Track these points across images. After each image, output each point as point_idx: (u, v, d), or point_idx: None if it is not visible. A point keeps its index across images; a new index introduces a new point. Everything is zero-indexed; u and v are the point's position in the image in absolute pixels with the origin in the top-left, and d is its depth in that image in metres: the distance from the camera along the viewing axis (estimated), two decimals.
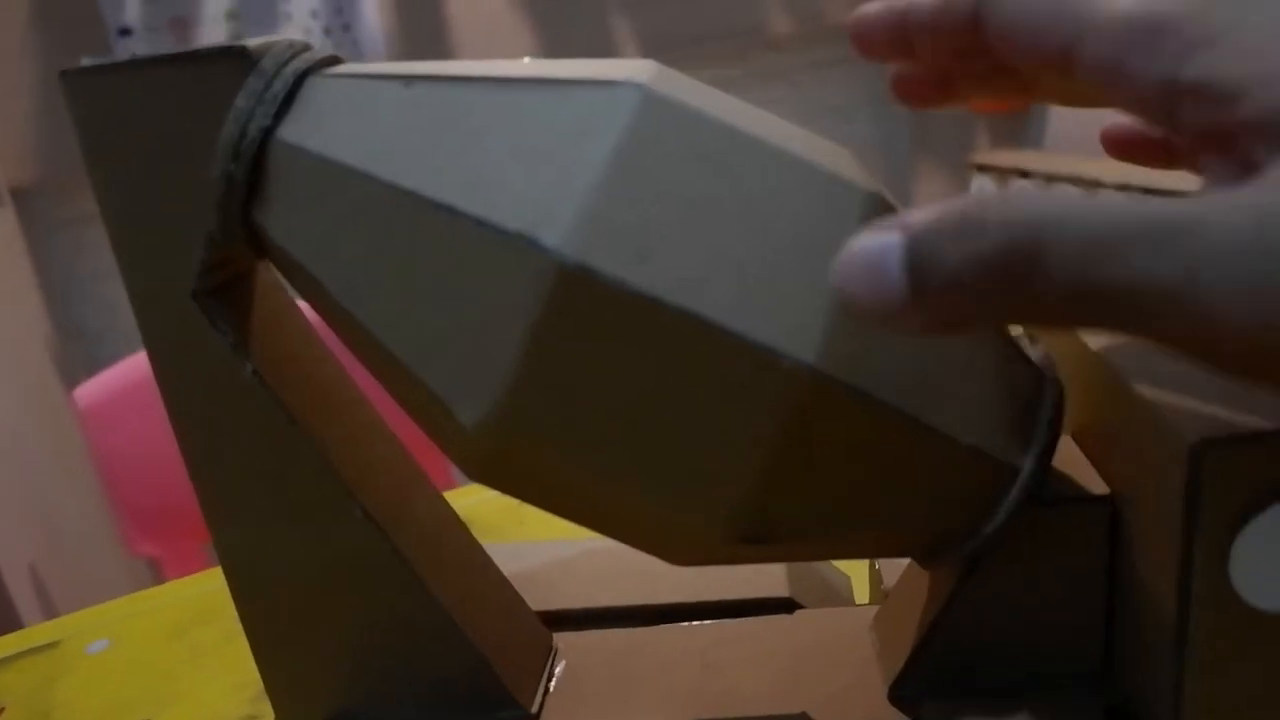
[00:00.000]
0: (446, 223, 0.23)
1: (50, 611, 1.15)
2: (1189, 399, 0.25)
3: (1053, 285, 0.18)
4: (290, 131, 0.25)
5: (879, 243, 0.19)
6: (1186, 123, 0.21)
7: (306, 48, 0.26)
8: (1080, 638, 0.29)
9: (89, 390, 1.00)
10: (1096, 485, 0.28)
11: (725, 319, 0.22)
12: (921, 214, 0.19)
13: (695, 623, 0.35)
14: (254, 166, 0.25)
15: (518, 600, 0.34)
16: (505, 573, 0.35)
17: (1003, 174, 1.83)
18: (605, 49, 1.60)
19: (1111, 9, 0.22)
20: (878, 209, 0.24)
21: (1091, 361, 0.28)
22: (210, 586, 0.59)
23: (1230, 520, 0.23)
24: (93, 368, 1.08)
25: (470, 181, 0.23)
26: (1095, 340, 0.28)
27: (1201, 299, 0.17)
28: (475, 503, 0.59)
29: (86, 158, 0.26)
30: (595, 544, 0.39)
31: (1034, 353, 0.27)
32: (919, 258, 0.19)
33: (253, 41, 0.25)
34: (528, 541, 0.40)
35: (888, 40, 0.28)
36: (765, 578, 0.36)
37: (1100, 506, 0.27)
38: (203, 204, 0.26)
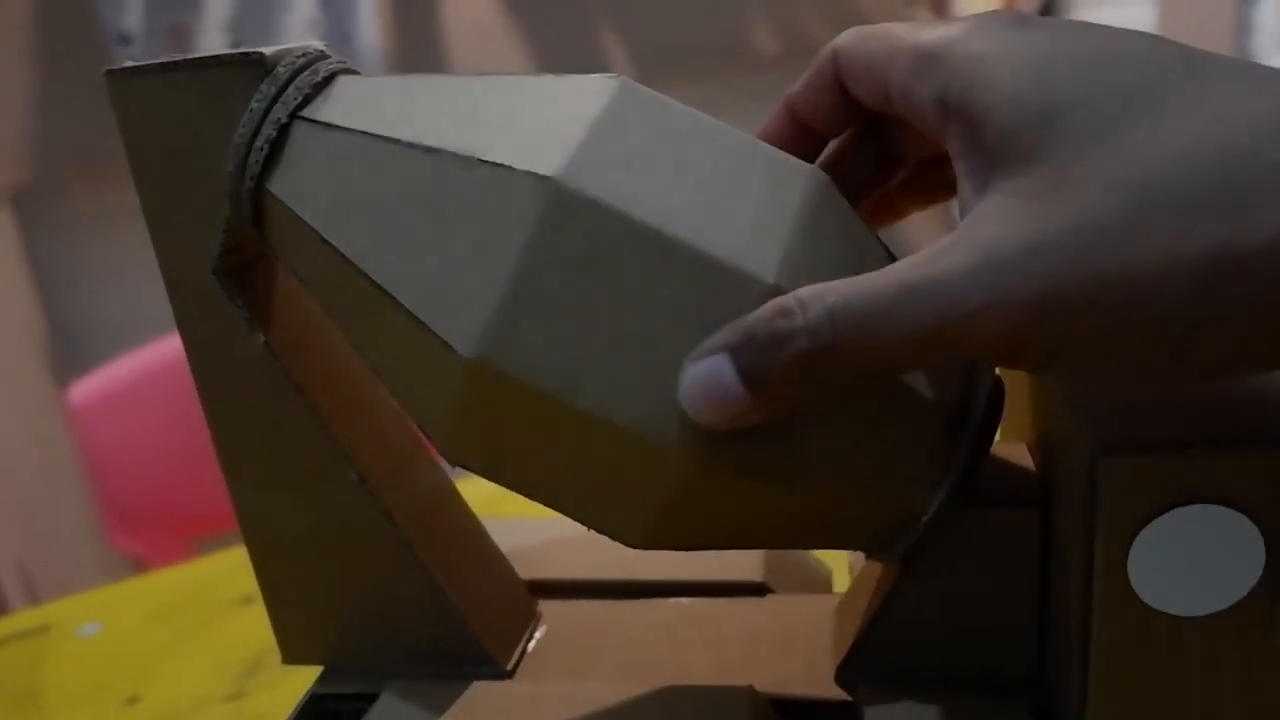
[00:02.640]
0: (448, 165, 0.26)
1: (34, 604, 1.16)
2: (1112, 408, 0.26)
3: (854, 358, 0.23)
4: (310, 112, 0.28)
5: (711, 365, 0.23)
6: (954, 144, 0.24)
7: (322, 55, 0.29)
8: (1013, 639, 0.29)
9: (82, 389, 1.01)
10: (1032, 491, 0.29)
11: (694, 239, 0.24)
12: (727, 335, 0.24)
13: (670, 599, 0.36)
14: (270, 151, 0.27)
15: (506, 568, 0.36)
16: (501, 545, 0.37)
17: None
18: (593, 63, 1.63)
19: (913, 39, 0.25)
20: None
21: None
22: (195, 574, 0.60)
23: (1129, 524, 0.24)
24: (85, 367, 1.09)
25: (472, 135, 0.26)
26: None
27: (950, 333, 0.22)
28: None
29: (127, 148, 0.29)
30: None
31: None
32: (748, 367, 0.23)
33: (269, 49, 0.28)
34: (526, 519, 0.42)
35: (791, 138, 0.30)
36: (742, 562, 0.37)
37: (1029, 511, 0.28)
38: (222, 191, 0.28)
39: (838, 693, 0.30)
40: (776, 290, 0.24)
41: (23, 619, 0.57)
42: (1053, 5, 1.81)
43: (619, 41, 1.66)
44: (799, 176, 0.27)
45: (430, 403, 0.27)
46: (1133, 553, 0.24)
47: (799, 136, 0.30)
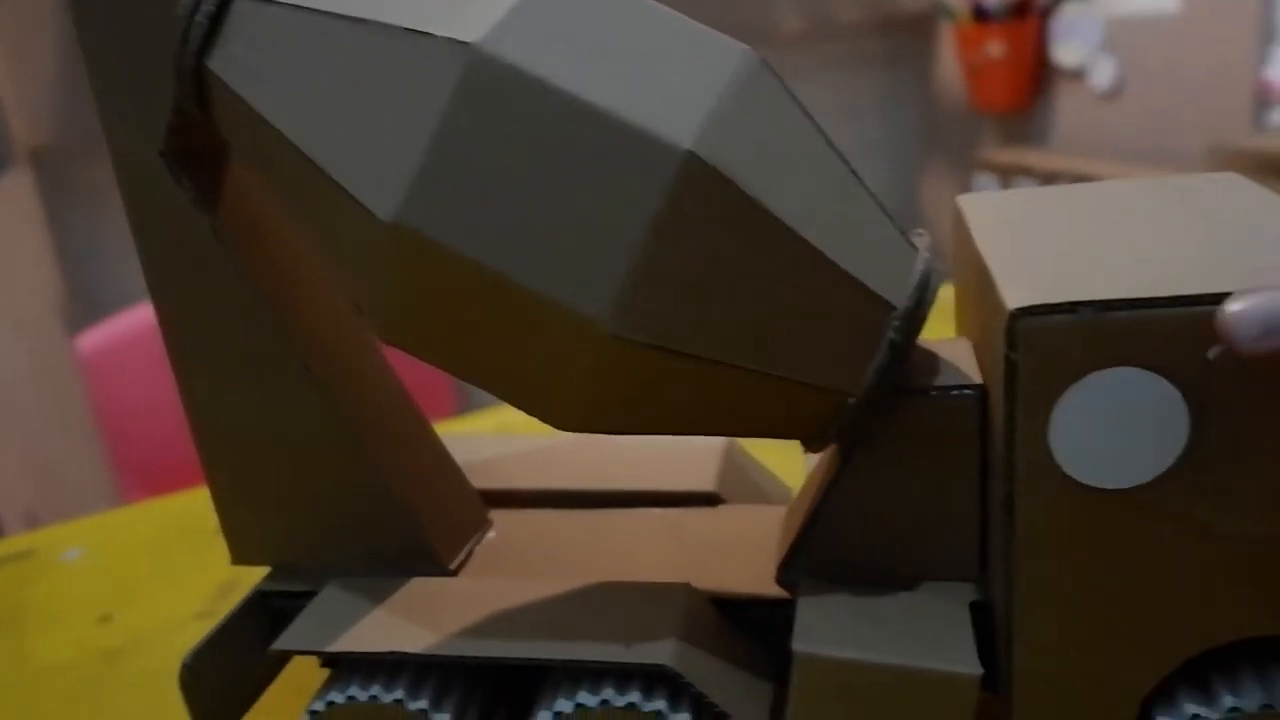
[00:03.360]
0: (375, 35, 0.25)
1: None
2: (1036, 274, 0.25)
3: None
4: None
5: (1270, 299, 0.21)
6: None
7: None
8: (956, 535, 0.28)
9: (91, 339, 1.02)
10: (971, 378, 0.28)
11: (611, 106, 0.24)
12: None
13: (621, 509, 0.36)
14: (210, 25, 0.27)
15: (457, 474, 0.36)
16: (460, 457, 0.37)
17: (1007, 172, 1.84)
18: None
19: None
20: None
21: (982, 268, 0.28)
22: (180, 504, 0.60)
23: (1048, 389, 0.24)
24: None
25: (402, 6, 0.26)
26: (984, 241, 0.29)
27: None
28: None
29: (76, 29, 0.30)
30: (544, 440, 0.41)
31: (920, 242, 0.28)
32: None
33: None
34: (486, 435, 0.42)
35: None
36: (695, 474, 0.37)
37: (967, 396, 0.27)
38: (169, 71, 0.28)
39: (777, 591, 0.30)
40: (691, 157, 0.24)
41: (10, 544, 0.58)
42: None
43: None
44: (731, 55, 0.26)
45: (361, 278, 0.27)
46: (1053, 421, 0.24)
47: None
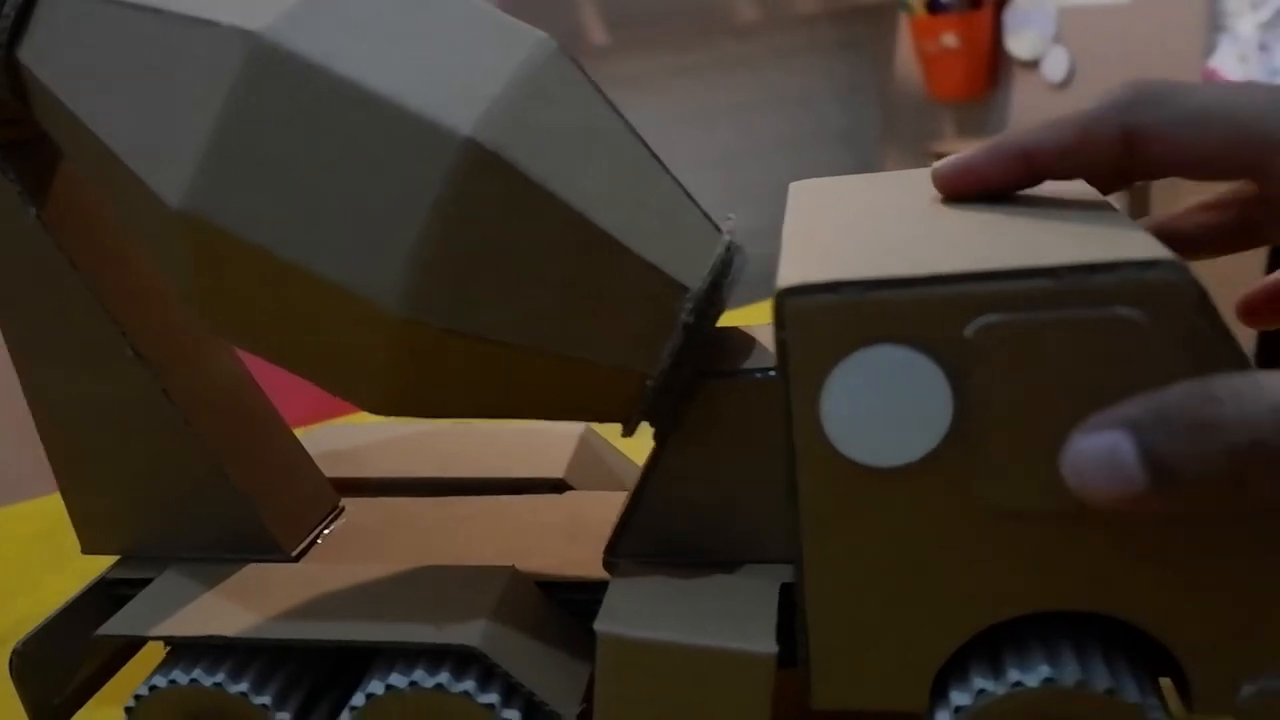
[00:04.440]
0: (170, 24, 0.26)
1: None
2: (813, 254, 0.25)
3: None
4: None
5: (1107, 440, 0.21)
6: None
7: None
8: (771, 518, 0.28)
9: None
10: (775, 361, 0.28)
11: (394, 94, 0.25)
12: (1132, 409, 0.21)
13: (472, 497, 0.37)
14: (18, 17, 0.28)
15: (305, 462, 0.36)
16: (318, 447, 0.38)
17: None
18: (567, 27, 1.62)
19: None
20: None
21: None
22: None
23: (817, 367, 0.24)
24: None
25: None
26: (790, 225, 0.29)
27: None
28: None
29: None
30: (406, 428, 0.41)
31: (725, 225, 0.29)
32: (1157, 452, 0.21)
33: None
34: (343, 425, 0.42)
35: (1003, 184, 0.28)
36: (545, 461, 0.38)
37: (772, 376, 0.27)
38: None
39: (601, 574, 0.31)
40: (470, 144, 0.24)
41: None
42: None
43: (594, 5, 1.65)
44: (524, 42, 0.27)
45: (167, 266, 0.27)
46: (824, 400, 0.24)
47: (1024, 177, 0.28)
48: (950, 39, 1.88)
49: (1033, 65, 1.84)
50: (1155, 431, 0.21)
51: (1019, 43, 1.84)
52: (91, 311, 0.31)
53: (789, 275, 0.24)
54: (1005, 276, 0.23)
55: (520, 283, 0.25)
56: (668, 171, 0.28)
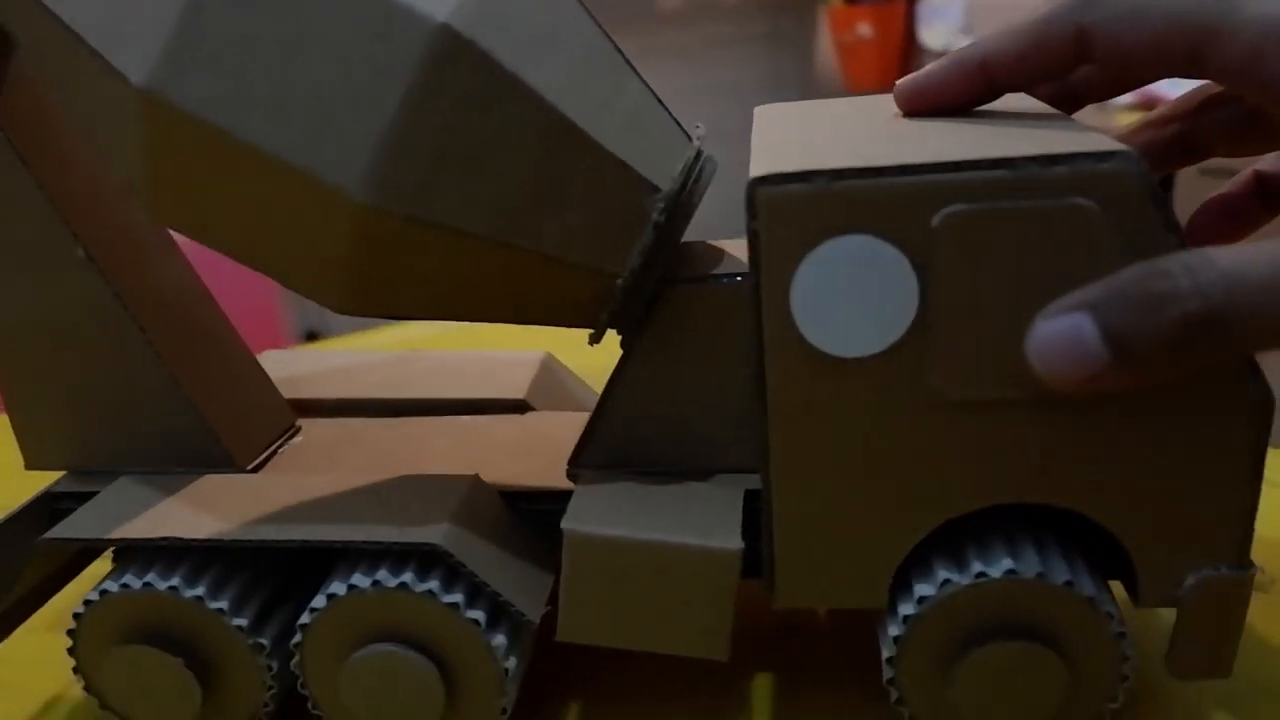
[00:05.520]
0: None
1: None
2: (786, 148, 0.26)
3: (1246, 329, 0.21)
4: None
5: (1069, 323, 0.22)
6: None
7: None
8: (739, 426, 0.29)
9: None
10: (745, 268, 0.28)
11: None
12: (1090, 292, 0.22)
13: (430, 417, 0.36)
14: None
15: (261, 379, 0.36)
16: (278, 370, 0.37)
17: None
18: None
19: (1247, 13, 0.23)
20: None
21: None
22: None
23: (787, 256, 0.24)
24: None
25: None
26: (758, 136, 0.29)
27: None
28: None
29: None
30: (364, 355, 0.41)
31: (695, 132, 0.29)
32: (1115, 328, 0.22)
33: None
34: (310, 350, 0.42)
35: (963, 95, 0.28)
36: (506, 383, 0.37)
37: (740, 282, 0.28)
38: None
39: (565, 485, 0.30)
40: (445, 30, 0.24)
41: None
42: None
43: None
44: None
45: (122, 152, 0.26)
46: (794, 290, 0.24)
47: (983, 89, 0.28)
48: (865, 29, 1.92)
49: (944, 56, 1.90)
50: (1112, 308, 0.22)
51: (931, 34, 1.89)
52: (42, 212, 0.30)
53: (760, 166, 0.25)
54: (971, 167, 0.23)
55: (488, 173, 0.25)
56: (637, 74, 0.28)
